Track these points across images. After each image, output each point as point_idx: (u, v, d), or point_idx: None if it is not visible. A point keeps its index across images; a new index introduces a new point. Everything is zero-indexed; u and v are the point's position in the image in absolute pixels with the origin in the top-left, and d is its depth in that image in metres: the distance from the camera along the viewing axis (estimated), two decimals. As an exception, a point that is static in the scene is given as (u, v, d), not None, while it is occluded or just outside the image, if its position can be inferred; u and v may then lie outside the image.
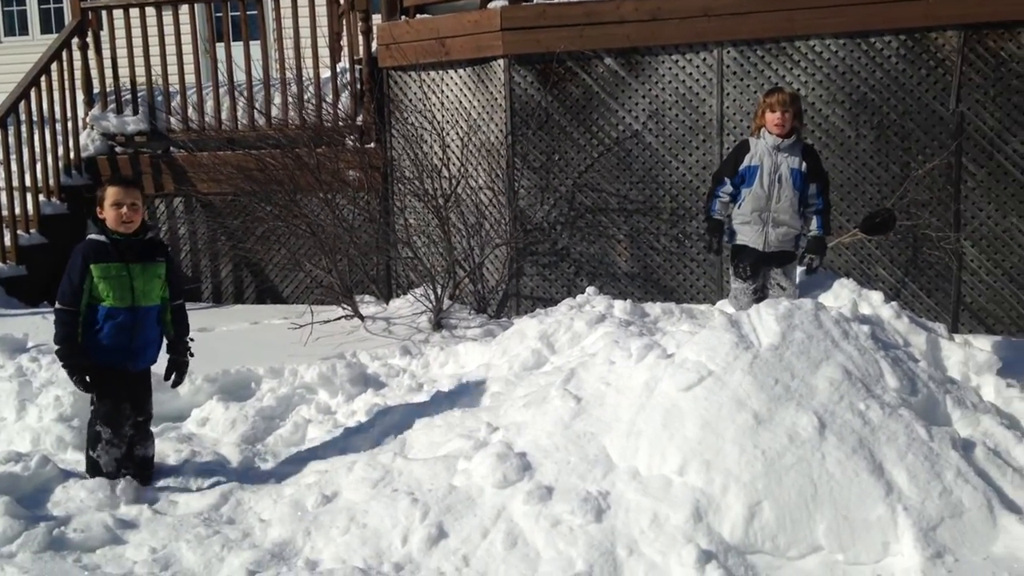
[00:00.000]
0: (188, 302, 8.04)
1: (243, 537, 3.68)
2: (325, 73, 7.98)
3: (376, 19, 7.80)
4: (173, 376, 4.32)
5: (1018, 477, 3.47)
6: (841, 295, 4.90)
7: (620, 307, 5.61)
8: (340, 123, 7.61)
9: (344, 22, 8.18)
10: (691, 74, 6.62)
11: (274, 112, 7.86)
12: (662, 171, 6.76)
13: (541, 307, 6.48)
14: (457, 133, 7.15)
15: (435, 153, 7.02)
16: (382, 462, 4.02)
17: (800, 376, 3.69)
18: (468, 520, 3.54)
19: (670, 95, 6.68)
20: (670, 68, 6.66)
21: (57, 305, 4.02)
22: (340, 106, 7.74)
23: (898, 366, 3.84)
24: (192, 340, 4.37)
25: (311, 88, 7.81)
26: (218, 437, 4.73)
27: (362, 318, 6.71)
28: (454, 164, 6.94)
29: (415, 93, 7.48)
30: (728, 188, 4.89)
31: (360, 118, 7.64)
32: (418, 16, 7.51)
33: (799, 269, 5.10)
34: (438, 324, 6.46)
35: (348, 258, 6.89)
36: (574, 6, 6.75)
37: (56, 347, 4.04)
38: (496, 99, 7.04)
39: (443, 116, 7.27)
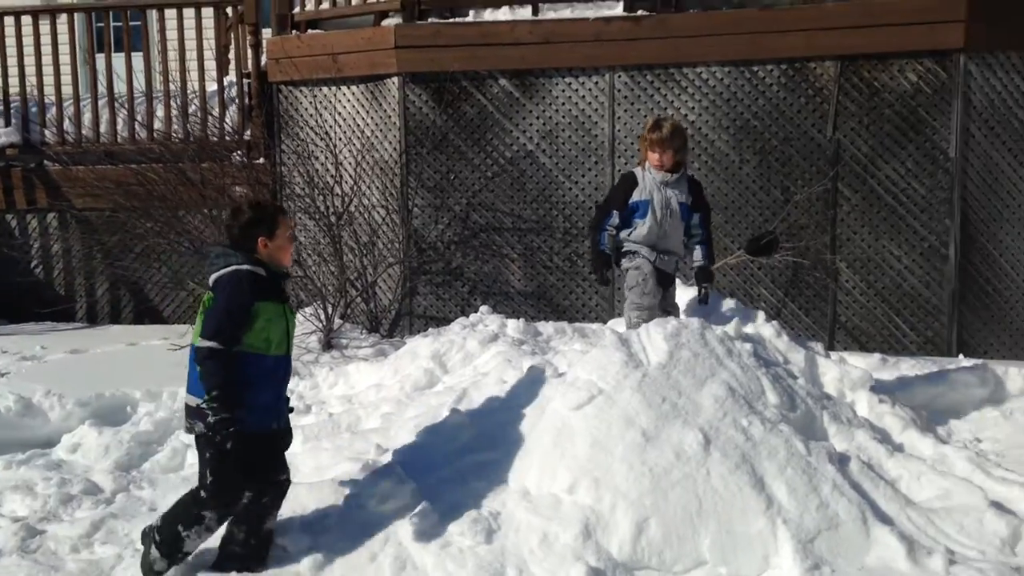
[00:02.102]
0: (60, 322, 7.71)
1: (118, 562, 3.50)
2: (212, 87, 7.76)
3: (266, 33, 7.65)
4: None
5: (890, 490, 3.60)
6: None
7: (513, 326, 5.60)
8: (227, 138, 7.40)
9: (232, 35, 7.99)
10: (584, 97, 6.73)
11: (157, 125, 7.59)
12: (555, 191, 6.82)
13: (434, 326, 6.42)
14: (350, 150, 7.05)
15: (327, 170, 6.90)
16: (266, 487, 3.88)
17: (687, 394, 3.75)
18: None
19: (563, 117, 6.76)
20: (563, 90, 6.74)
21: (214, 344, 3.21)
22: (227, 120, 7.53)
23: (778, 383, 3.95)
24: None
25: (196, 101, 7.58)
26: (90, 464, 4.49)
27: (249, 338, 6.51)
28: (347, 182, 6.83)
29: (306, 109, 7.34)
30: (615, 221, 4.88)
31: (248, 133, 7.45)
32: (310, 31, 7.40)
33: (694, 298, 5.15)
34: (328, 344, 6.32)
35: (235, 276, 6.67)
36: (469, 26, 6.77)
37: (214, 393, 3.20)
38: (390, 117, 6.97)
39: (336, 133, 7.15)
